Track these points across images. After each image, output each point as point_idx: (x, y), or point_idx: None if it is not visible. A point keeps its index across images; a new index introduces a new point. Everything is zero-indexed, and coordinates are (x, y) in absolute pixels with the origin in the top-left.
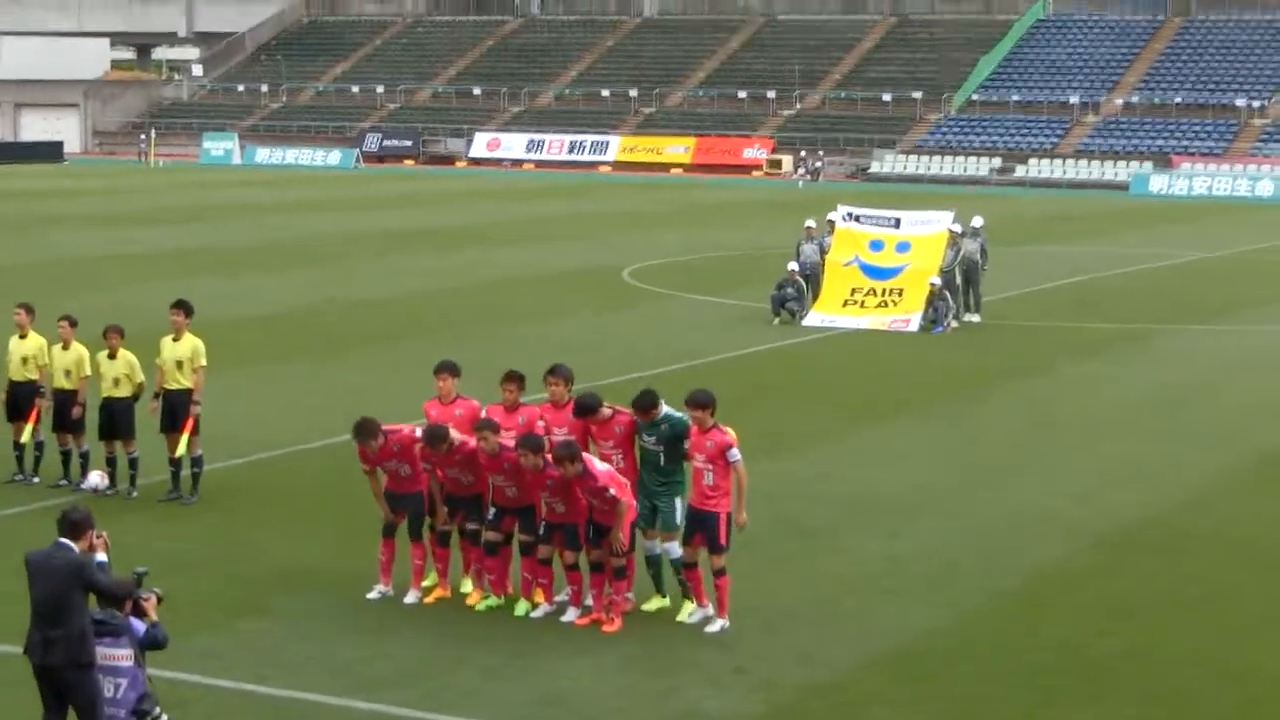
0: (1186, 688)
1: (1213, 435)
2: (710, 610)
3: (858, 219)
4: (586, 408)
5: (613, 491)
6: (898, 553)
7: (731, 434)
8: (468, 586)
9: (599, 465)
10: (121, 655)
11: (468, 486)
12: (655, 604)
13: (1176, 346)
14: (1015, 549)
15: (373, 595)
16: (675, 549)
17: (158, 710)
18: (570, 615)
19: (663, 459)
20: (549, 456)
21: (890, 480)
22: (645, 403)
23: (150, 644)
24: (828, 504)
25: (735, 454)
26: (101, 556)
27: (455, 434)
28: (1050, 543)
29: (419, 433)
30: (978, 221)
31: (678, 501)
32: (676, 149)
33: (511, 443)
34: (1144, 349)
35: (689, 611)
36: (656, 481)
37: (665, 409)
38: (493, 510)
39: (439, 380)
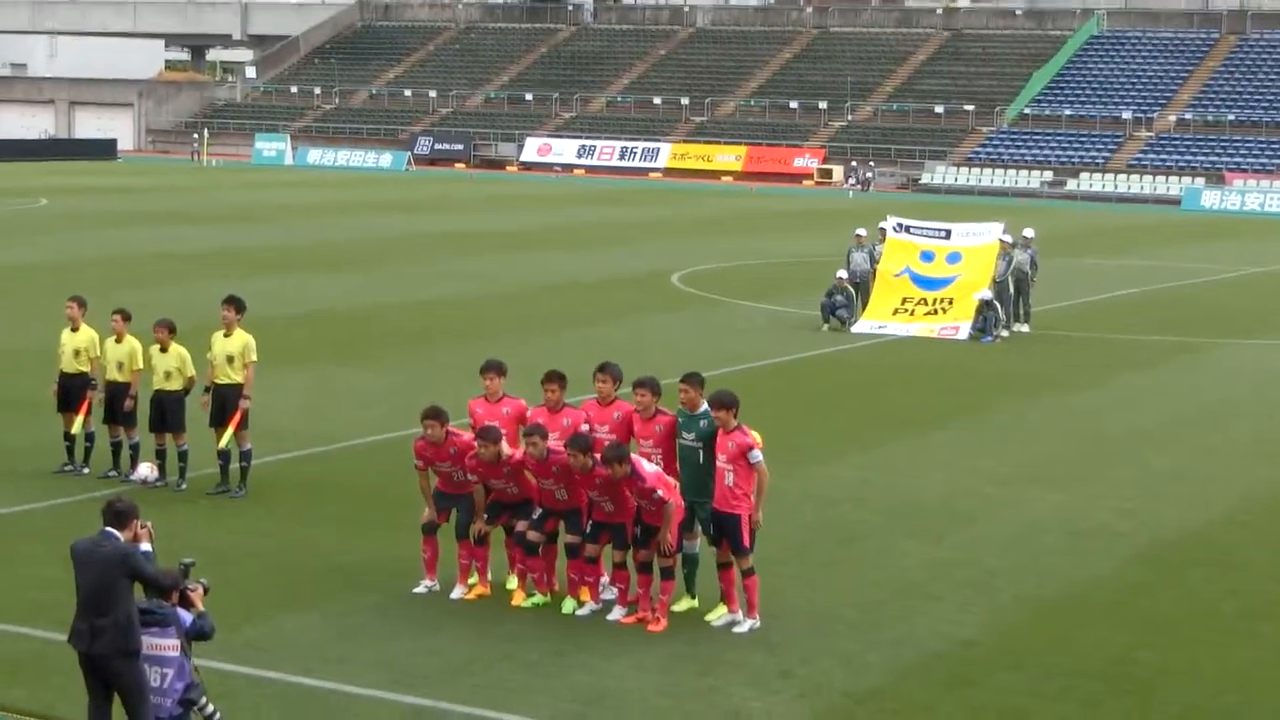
0: (1226, 704)
1: (1259, 450)
2: (739, 614)
3: (909, 229)
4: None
5: (660, 493)
6: (942, 559)
7: (755, 436)
8: (513, 583)
9: (647, 467)
10: (168, 645)
11: (515, 495)
12: (685, 605)
13: (1225, 361)
14: (1058, 559)
15: (419, 590)
16: (694, 547)
17: (204, 700)
18: (616, 614)
19: (701, 456)
20: (597, 456)
21: (935, 487)
22: (726, 400)
23: (197, 634)
24: (873, 509)
25: (757, 455)
26: (146, 546)
27: (505, 447)
28: (1093, 555)
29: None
30: (1029, 232)
31: (708, 503)
32: (727, 157)
33: (557, 445)
34: (1193, 362)
35: (719, 615)
36: (697, 479)
37: (706, 406)
38: (538, 511)
39: (486, 379)
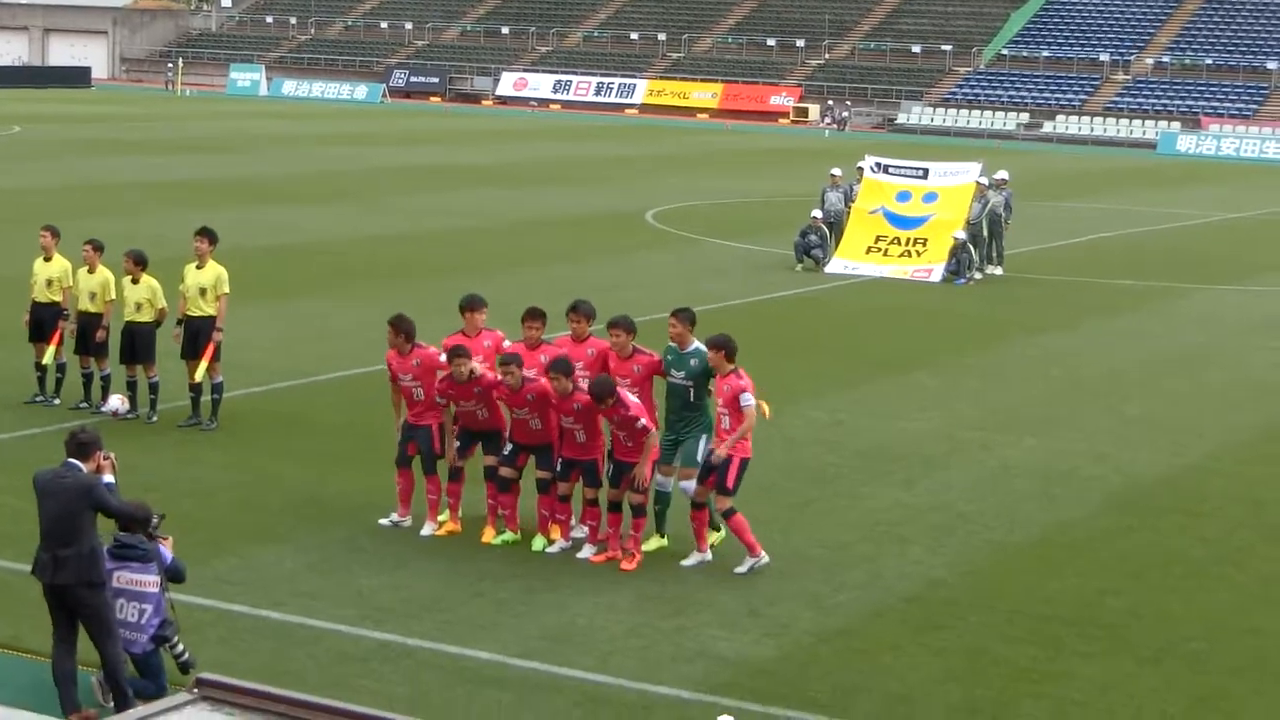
0: (1192, 647)
1: (1232, 397)
2: (708, 556)
3: (886, 169)
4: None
5: (643, 422)
6: (912, 502)
7: (748, 379)
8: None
9: (631, 397)
10: (148, 581)
11: (484, 421)
12: (655, 544)
13: (1199, 306)
14: (1030, 504)
15: (384, 521)
16: (691, 486)
17: (176, 639)
18: (586, 552)
19: (691, 394)
20: (579, 382)
21: (907, 430)
22: (726, 346)
23: (174, 575)
24: (844, 451)
25: (749, 399)
26: (109, 478)
27: (476, 364)
28: (1065, 500)
29: (443, 357)
30: (1002, 174)
31: (703, 438)
32: (703, 94)
33: (535, 377)
34: (1167, 308)
35: (693, 557)
36: (683, 417)
37: (696, 343)
38: (509, 446)
39: (467, 315)
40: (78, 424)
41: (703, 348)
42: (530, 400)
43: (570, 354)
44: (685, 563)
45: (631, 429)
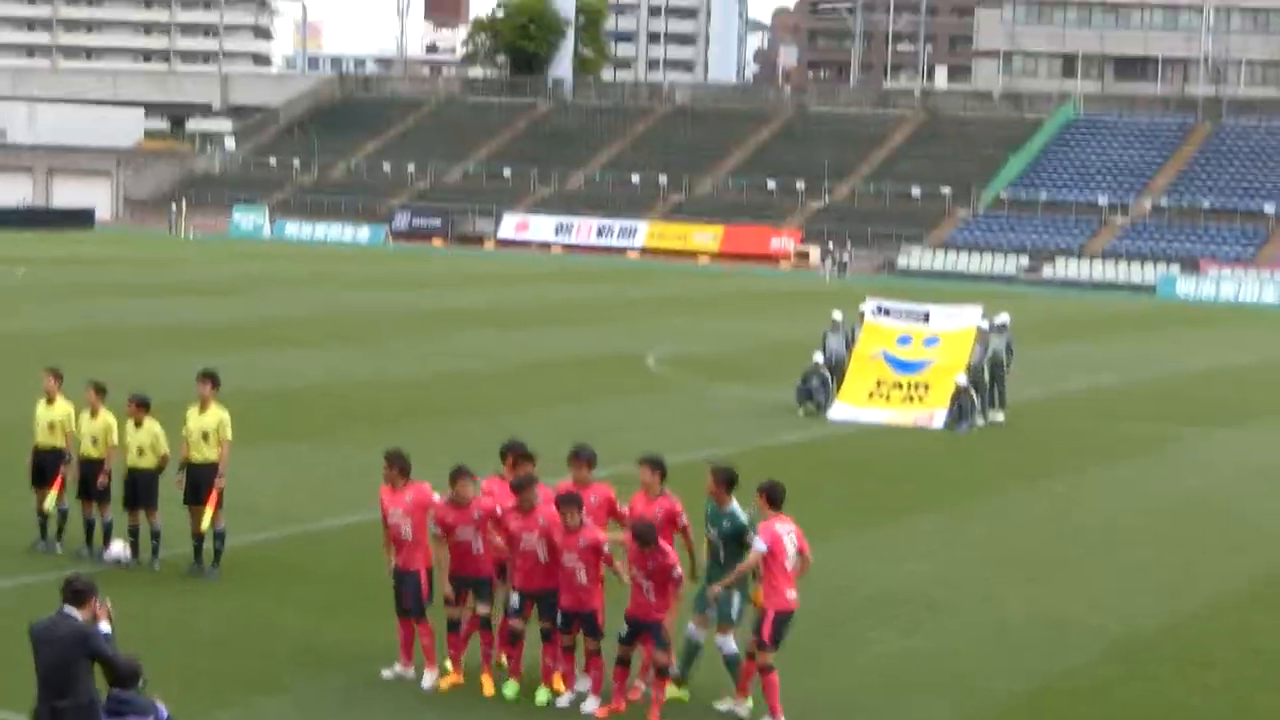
0: None
1: (1232, 544)
2: (744, 705)
3: (887, 312)
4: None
5: (679, 571)
6: (916, 649)
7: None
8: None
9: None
10: None
11: (475, 561)
12: (672, 693)
13: (1200, 451)
14: (1031, 652)
15: (387, 673)
16: (730, 644)
17: None
18: (590, 705)
19: (722, 553)
20: (586, 517)
21: (910, 576)
22: (727, 478)
23: None
24: (848, 597)
25: (759, 544)
26: (105, 627)
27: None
28: (1066, 648)
29: (437, 498)
30: (1003, 318)
31: (736, 594)
32: (704, 236)
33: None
34: (1168, 452)
35: (726, 702)
36: (713, 575)
37: (733, 505)
38: (516, 596)
39: (512, 461)
40: (80, 572)
41: (738, 510)
42: (541, 525)
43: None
44: (720, 706)
45: (665, 578)
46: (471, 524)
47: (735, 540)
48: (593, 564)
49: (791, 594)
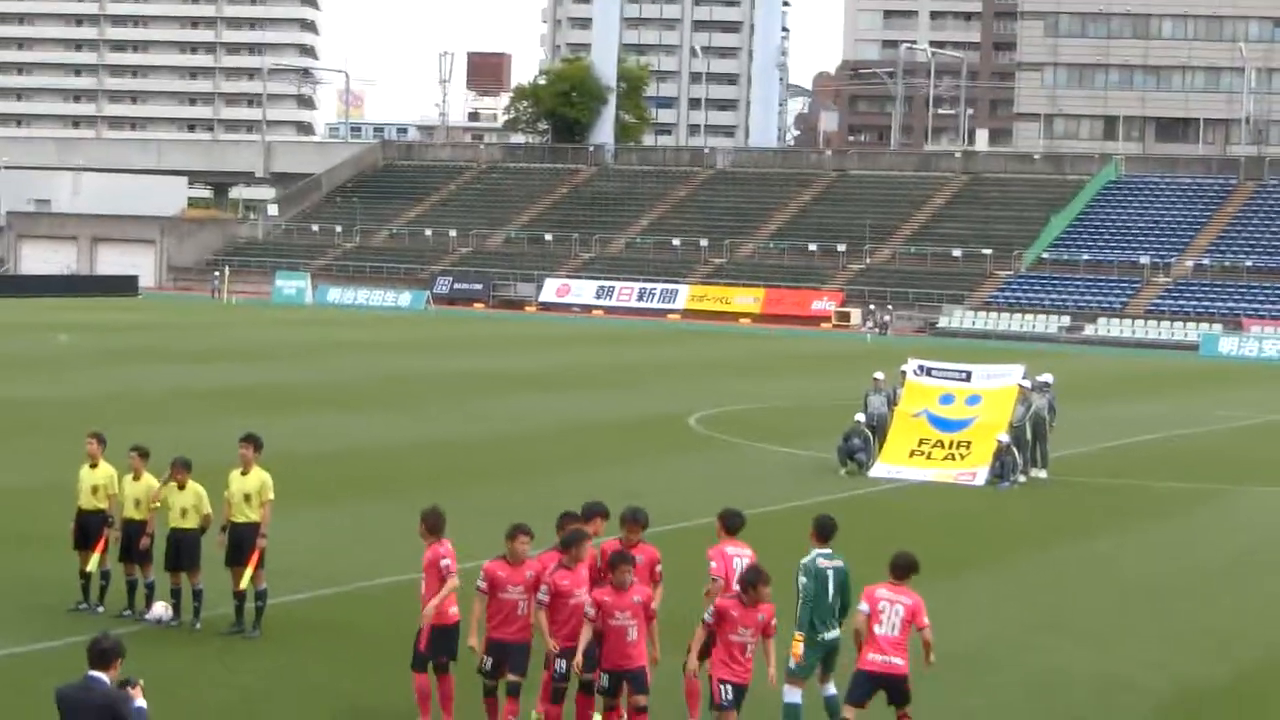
0: None
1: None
2: None
3: (929, 372)
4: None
5: (776, 623)
6: (969, 708)
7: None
8: None
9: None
10: None
11: (517, 627)
12: None
13: (1245, 510)
14: (1084, 712)
15: None
16: (830, 688)
17: None
18: None
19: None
20: (633, 577)
21: (959, 634)
22: (827, 528)
23: None
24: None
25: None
26: (141, 701)
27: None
28: (1119, 709)
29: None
30: (1047, 378)
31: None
32: (745, 299)
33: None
34: (1212, 510)
35: None
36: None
37: (815, 551)
38: (561, 661)
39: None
40: (122, 633)
41: (839, 563)
42: (597, 578)
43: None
44: None
45: (766, 628)
46: (523, 583)
47: (842, 587)
48: (643, 621)
49: (876, 657)
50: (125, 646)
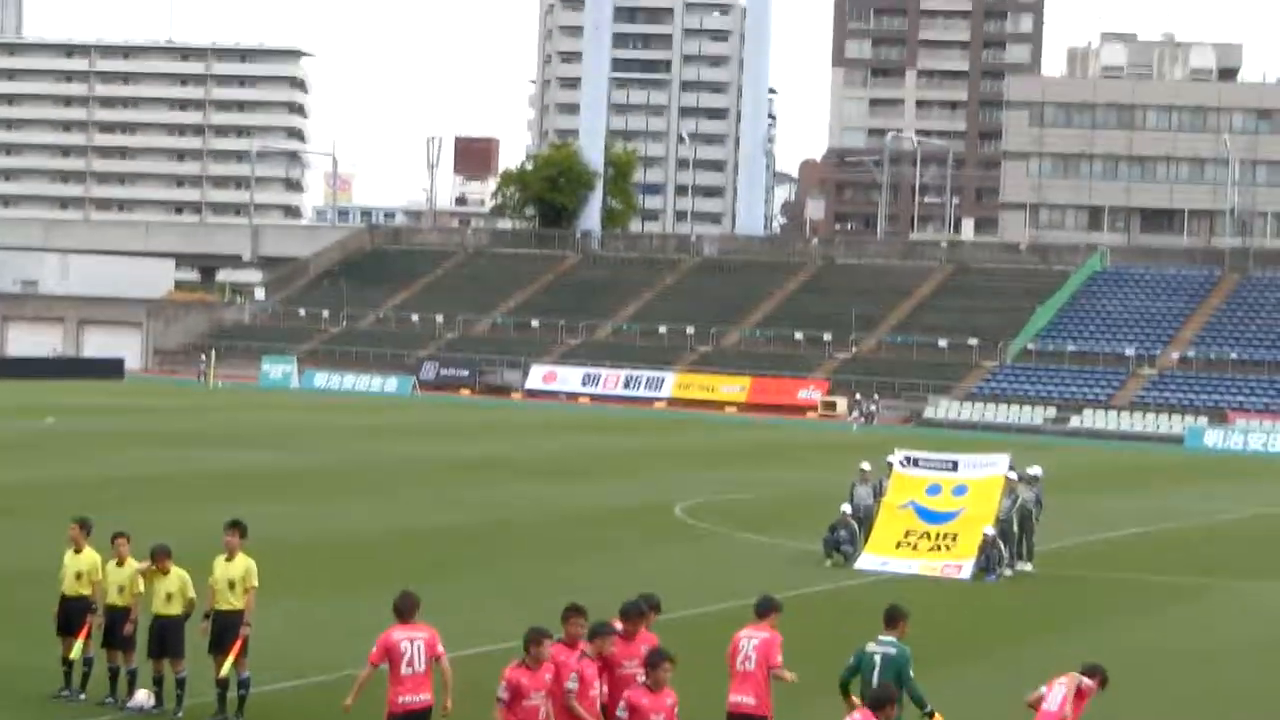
0: None
1: (1264, 697)
2: None
3: (916, 463)
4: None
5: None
6: None
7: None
8: None
9: None
10: None
11: None
12: None
13: (1230, 604)
14: None
15: None
16: None
17: None
18: None
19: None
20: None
21: None
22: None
23: None
24: None
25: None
26: None
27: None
28: None
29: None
30: (1036, 470)
31: None
32: (732, 387)
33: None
34: (1198, 605)
35: None
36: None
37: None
38: None
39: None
40: None
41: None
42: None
43: (621, 654)
44: None
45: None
46: (544, 688)
47: (896, 676)
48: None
49: None
50: None
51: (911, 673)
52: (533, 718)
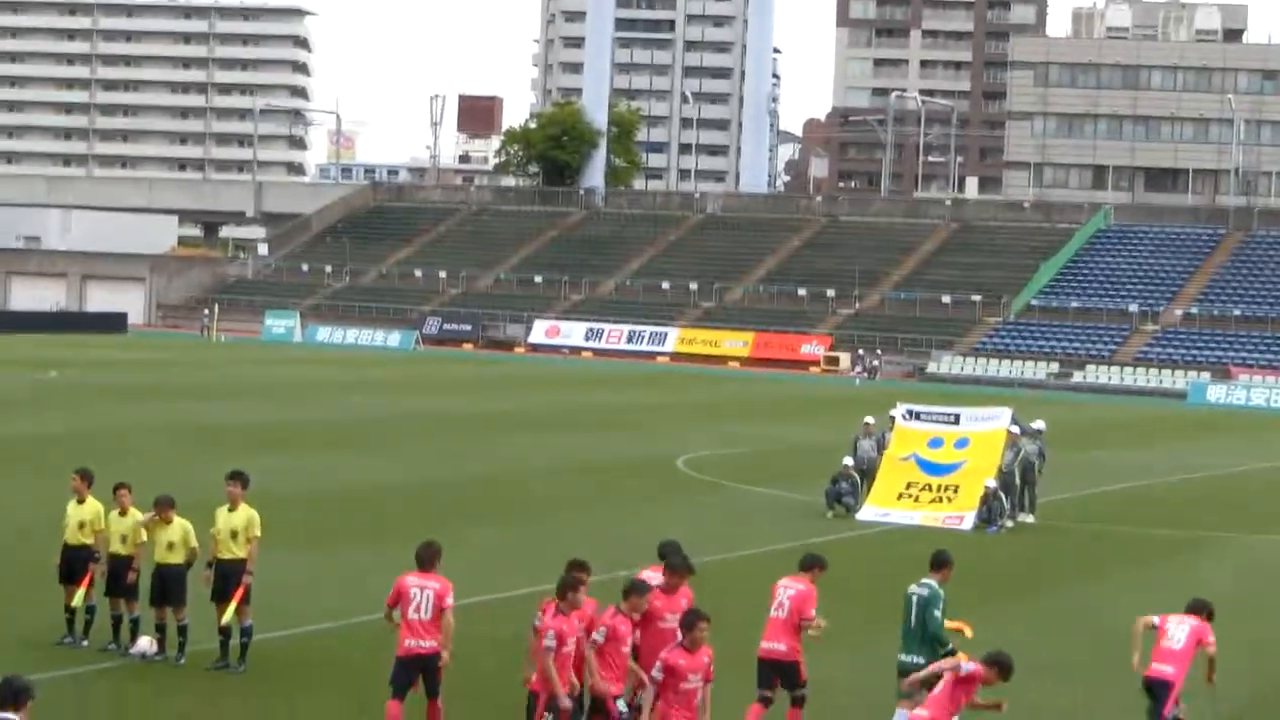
0: None
1: (1265, 649)
2: None
3: (918, 416)
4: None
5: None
6: None
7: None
8: None
9: None
10: None
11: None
12: None
13: (1231, 556)
14: None
15: None
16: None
17: None
18: None
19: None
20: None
21: None
22: (933, 559)
23: None
24: (875, 697)
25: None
26: None
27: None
28: None
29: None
30: (1039, 424)
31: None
32: (735, 343)
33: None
34: (1198, 558)
35: None
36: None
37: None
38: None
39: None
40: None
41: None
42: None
43: (665, 607)
44: None
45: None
46: (575, 635)
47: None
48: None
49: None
50: (36, 688)
51: (937, 612)
52: (569, 664)
